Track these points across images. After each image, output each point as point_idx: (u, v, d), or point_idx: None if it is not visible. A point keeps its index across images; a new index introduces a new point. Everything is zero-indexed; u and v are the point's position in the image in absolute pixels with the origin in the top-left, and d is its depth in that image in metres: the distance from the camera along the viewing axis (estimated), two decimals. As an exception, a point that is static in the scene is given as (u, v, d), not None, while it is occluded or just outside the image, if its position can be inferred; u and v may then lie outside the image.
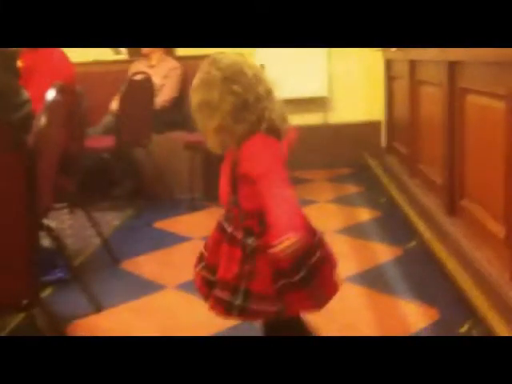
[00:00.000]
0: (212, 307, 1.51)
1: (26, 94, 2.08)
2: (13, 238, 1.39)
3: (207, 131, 1.42)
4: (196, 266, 1.57)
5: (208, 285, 1.51)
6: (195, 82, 1.43)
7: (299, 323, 1.59)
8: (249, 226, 1.44)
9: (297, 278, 1.45)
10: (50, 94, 1.77)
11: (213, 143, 1.44)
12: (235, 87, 1.38)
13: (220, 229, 1.51)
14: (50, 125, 1.80)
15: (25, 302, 1.39)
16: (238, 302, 1.43)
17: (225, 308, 1.45)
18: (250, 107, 1.39)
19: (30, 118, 1.94)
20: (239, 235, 1.45)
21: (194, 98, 1.42)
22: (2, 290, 1.37)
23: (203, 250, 1.56)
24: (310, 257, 1.46)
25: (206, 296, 1.53)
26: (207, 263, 1.52)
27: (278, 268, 1.43)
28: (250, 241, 1.43)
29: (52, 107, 1.76)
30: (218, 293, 1.46)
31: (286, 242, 1.28)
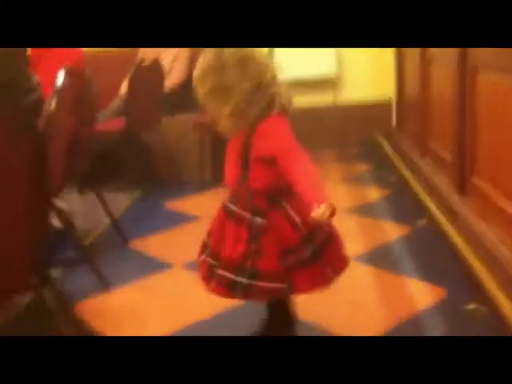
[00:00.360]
0: (214, 289, 1.51)
1: (36, 78, 2.08)
2: (23, 217, 1.39)
3: (221, 116, 1.42)
4: (200, 256, 1.57)
5: (213, 272, 1.51)
6: (202, 68, 1.42)
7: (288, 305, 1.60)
8: (257, 205, 1.46)
9: (304, 255, 1.46)
10: (60, 78, 1.77)
11: (226, 128, 1.45)
12: (250, 70, 1.38)
13: (225, 210, 1.52)
14: (60, 109, 1.80)
15: (34, 280, 1.40)
16: (244, 280, 1.44)
17: (229, 287, 1.46)
18: (262, 90, 1.41)
19: (40, 102, 1.94)
20: (247, 215, 1.46)
21: (205, 83, 1.41)
22: (11, 269, 1.38)
23: (206, 239, 1.56)
24: (317, 234, 1.47)
25: (209, 283, 1.53)
26: (212, 250, 1.52)
27: (286, 246, 1.44)
28: (258, 220, 1.44)
29: (61, 91, 1.76)
30: (221, 272, 1.47)
31: (322, 208, 1.30)
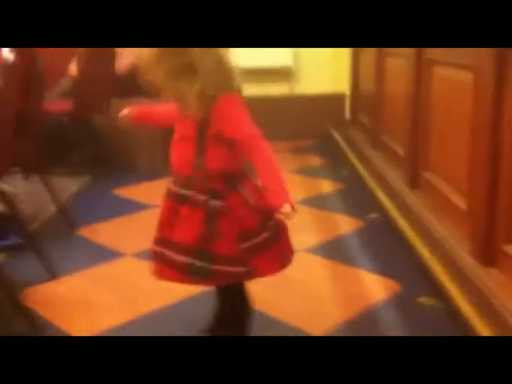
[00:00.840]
0: (170, 276, 1.48)
1: None
2: None
3: (189, 97, 1.37)
4: (153, 247, 1.52)
5: (168, 260, 1.47)
6: (157, 50, 1.36)
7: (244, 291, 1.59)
8: (214, 188, 1.43)
9: (261, 238, 1.46)
10: (6, 54, 1.67)
11: (195, 109, 1.39)
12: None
13: (174, 197, 1.47)
14: (8, 85, 1.71)
15: None
16: (201, 263, 1.41)
17: (187, 272, 1.43)
18: (222, 68, 1.39)
19: None
20: (202, 197, 1.43)
21: (166, 63, 1.35)
22: None
23: (157, 231, 1.51)
24: (271, 217, 1.46)
25: (164, 271, 1.49)
26: (165, 238, 1.48)
27: (243, 229, 1.42)
28: (215, 202, 1.42)
29: (9, 67, 1.66)
30: (177, 257, 1.43)
31: (287, 208, 1.35)
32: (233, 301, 1.60)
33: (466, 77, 1.93)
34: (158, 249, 1.49)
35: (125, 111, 1.60)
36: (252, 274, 1.49)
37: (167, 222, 1.47)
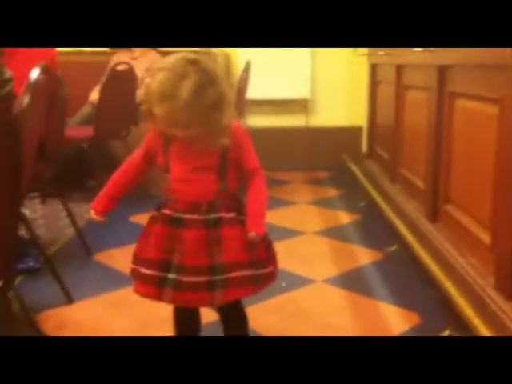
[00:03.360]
0: (190, 299, 1.47)
1: (9, 72, 1.99)
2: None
3: (222, 128, 1.40)
4: (148, 275, 1.48)
5: (179, 285, 1.45)
6: (196, 84, 1.33)
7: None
8: (235, 205, 1.49)
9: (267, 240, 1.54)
10: (34, 74, 1.69)
11: (223, 139, 1.42)
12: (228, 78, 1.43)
13: (203, 224, 1.46)
14: (33, 106, 1.72)
15: None
16: (218, 276, 1.45)
17: (207, 289, 1.44)
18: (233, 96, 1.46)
19: (11, 97, 1.85)
20: (233, 215, 1.47)
21: (206, 97, 1.34)
22: None
23: (155, 255, 1.48)
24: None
25: (177, 295, 1.47)
26: (169, 263, 1.46)
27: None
28: (243, 217, 1.48)
29: (35, 87, 1.68)
30: (193, 279, 1.44)
31: (260, 237, 1.46)
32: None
33: (490, 109, 1.92)
34: (171, 275, 1.46)
35: (92, 214, 1.59)
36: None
37: (166, 245, 1.46)
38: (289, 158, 4.57)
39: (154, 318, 2.00)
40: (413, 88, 2.99)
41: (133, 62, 3.72)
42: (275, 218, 3.04)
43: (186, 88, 1.31)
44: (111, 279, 2.36)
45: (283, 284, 2.27)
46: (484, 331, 1.74)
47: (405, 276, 2.40)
